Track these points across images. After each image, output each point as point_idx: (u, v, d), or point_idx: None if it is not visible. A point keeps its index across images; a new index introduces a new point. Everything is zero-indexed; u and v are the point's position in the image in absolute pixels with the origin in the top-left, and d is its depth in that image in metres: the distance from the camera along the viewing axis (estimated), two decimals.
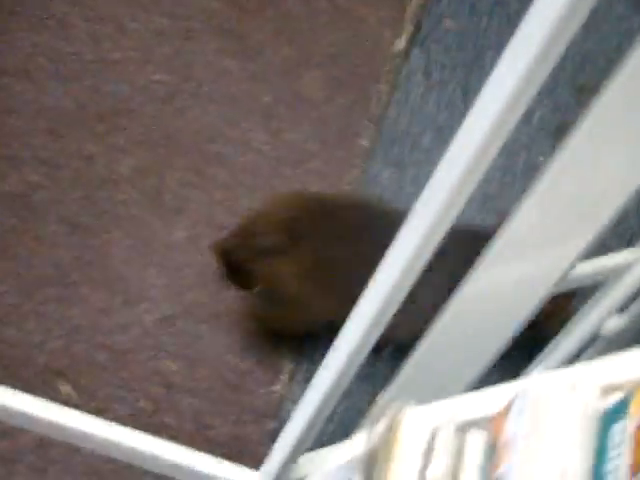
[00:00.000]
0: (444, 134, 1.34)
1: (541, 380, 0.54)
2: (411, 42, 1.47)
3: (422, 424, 0.58)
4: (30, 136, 1.19)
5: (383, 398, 0.86)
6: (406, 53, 1.45)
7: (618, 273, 0.96)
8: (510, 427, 0.53)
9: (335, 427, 1.09)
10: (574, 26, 0.43)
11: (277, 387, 1.11)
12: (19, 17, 1.29)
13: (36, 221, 1.15)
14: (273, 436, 1.05)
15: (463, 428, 0.56)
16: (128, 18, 1.31)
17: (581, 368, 0.58)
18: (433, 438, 0.57)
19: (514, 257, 0.80)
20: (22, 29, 1.27)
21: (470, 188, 0.55)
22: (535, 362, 1.01)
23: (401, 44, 1.46)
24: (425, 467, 0.54)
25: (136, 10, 1.32)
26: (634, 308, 0.98)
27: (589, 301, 0.97)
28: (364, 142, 1.33)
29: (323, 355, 0.82)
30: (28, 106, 1.21)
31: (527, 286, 0.83)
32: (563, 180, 0.68)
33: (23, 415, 1.06)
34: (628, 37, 1.42)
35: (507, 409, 0.54)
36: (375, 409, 0.68)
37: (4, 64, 1.25)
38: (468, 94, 1.40)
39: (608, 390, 0.53)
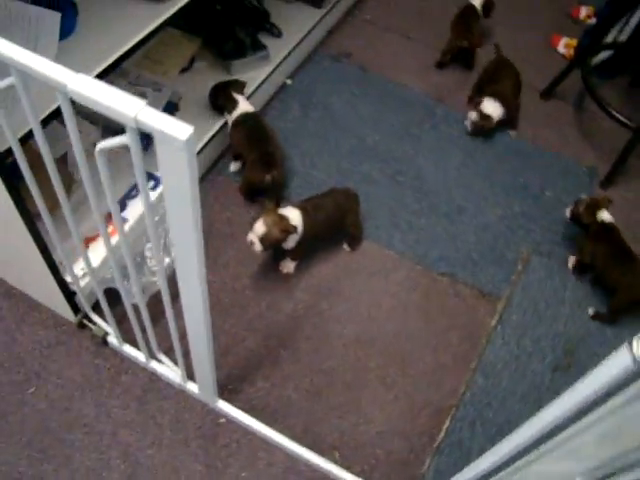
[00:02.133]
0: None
1: None
2: (498, 321, 1.96)
3: None
4: None
5: None
6: (494, 327, 1.97)
7: None
8: None
9: None
10: None
11: None
12: None
13: None
14: None
15: None
16: None
17: None
18: None
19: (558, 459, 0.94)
20: None
21: None
22: None
23: (493, 322, 1.97)
24: None
25: None
26: None
27: None
28: (472, 364, 1.87)
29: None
30: None
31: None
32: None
33: (318, 467, 1.64)
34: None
35: None
36: None
37: None
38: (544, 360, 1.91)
39: None
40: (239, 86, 2.19)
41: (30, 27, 1.44)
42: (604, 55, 2.77)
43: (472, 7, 2.84)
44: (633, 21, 2.60)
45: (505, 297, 2.05)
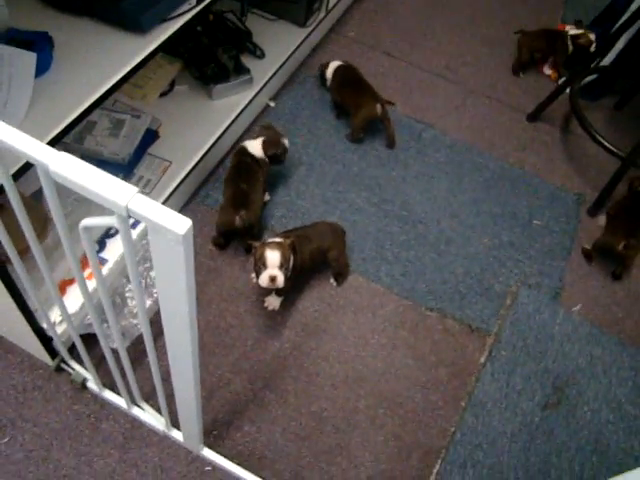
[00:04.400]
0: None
1: None
2: (487, 358, 1.97)
3: None
4: None
5: None
6: (484, 364, 1.97)
7: None
8: None
9: None
10: None
11: None
12: None
13: None
14: None
15: None
16: None
17: None
18: None
19: None
20: None
21: None
22: None
23: (482, 358, 1.96)
24: None
25: None
26: None
27: None
28: (462, 403, 1.87)
29: None
30: None
31: None
32: None
33: None
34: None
35: None
36: None
37: None
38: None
39: None
40: (266, 142, 2.11)
41: (3, 68, 1.37)
42: (590, 77, 2.76)
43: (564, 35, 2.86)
44: (619, 44, 2.60)
45: (494, 332, 2.04)
